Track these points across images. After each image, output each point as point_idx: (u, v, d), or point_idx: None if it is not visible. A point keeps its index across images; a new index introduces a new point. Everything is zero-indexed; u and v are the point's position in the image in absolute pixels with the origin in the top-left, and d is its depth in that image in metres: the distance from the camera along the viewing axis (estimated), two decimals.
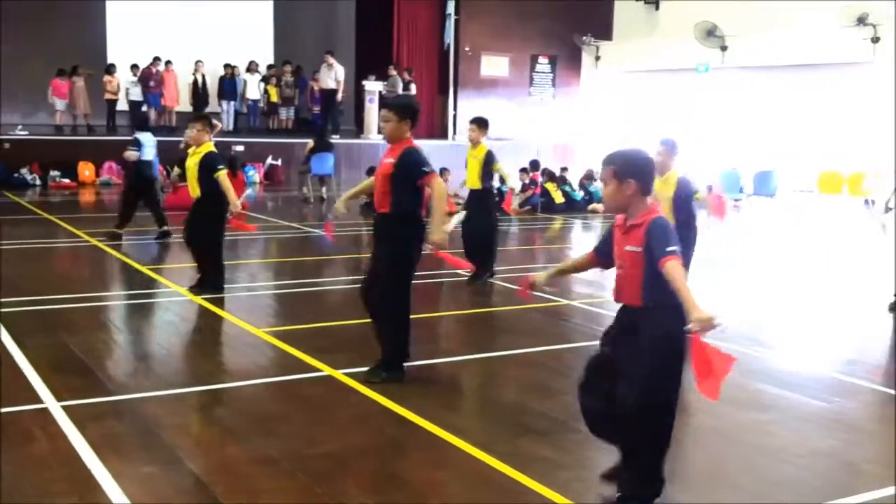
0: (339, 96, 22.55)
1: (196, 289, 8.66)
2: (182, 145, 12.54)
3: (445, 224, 6.08)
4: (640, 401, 3.93)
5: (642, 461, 4.10)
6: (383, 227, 6.04)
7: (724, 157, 20.30)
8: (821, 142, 19.48)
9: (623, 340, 4.08)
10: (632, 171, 4.05)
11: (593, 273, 9.37)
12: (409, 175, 5.87)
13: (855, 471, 4.80)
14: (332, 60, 22.26)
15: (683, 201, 7.22)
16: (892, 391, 6.22)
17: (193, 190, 8.63)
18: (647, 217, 4.01)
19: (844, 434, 5.36)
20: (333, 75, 22.33)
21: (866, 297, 9.62)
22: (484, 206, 9.92)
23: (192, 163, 8.58)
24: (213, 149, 8.62)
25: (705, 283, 6.92)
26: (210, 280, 8.70)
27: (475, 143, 9.78)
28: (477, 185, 9.79)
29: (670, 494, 4.19)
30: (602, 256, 4.34)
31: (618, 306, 4.16)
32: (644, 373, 3.94)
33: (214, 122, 9.96)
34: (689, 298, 3.75)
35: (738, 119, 21.15)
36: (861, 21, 17.51)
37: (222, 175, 8.43)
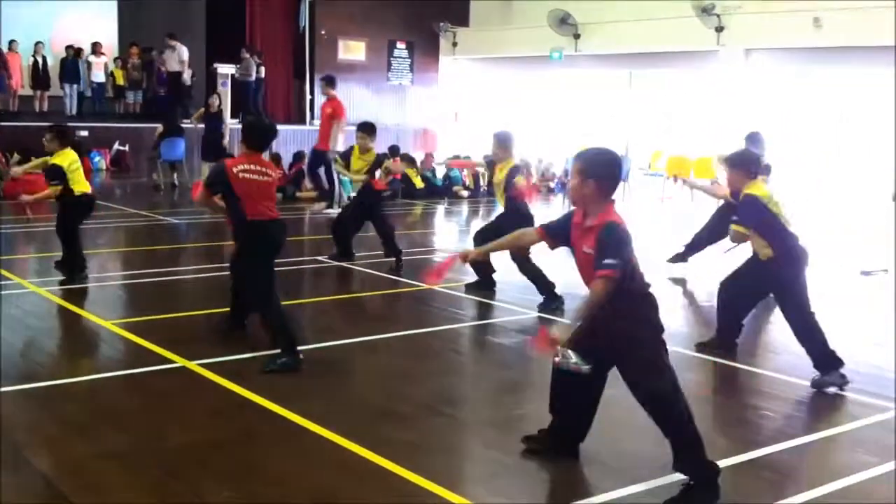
0: (186, 78, 21.80)
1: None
2: None
3: None
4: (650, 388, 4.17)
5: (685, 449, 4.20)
6: None
7: (580, 143, 20.75)
8: (670, 127, 20.14)
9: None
10: (594, 171, 4.16)
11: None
12: None
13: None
14: (173, 43, 21.50)
15: (511, 186, 8.25)
16: (735, 364, 6.47)
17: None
18: (601, 220, 4.11)
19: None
20: (177, 57, 21.61)
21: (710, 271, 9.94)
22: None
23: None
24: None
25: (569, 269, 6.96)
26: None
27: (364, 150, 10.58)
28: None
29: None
30: (552, 237, 4.43)
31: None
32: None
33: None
34: (576, 315, 4.06)
35: (592, 105, 21.66)
36: (706, 11, 18.12)
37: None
